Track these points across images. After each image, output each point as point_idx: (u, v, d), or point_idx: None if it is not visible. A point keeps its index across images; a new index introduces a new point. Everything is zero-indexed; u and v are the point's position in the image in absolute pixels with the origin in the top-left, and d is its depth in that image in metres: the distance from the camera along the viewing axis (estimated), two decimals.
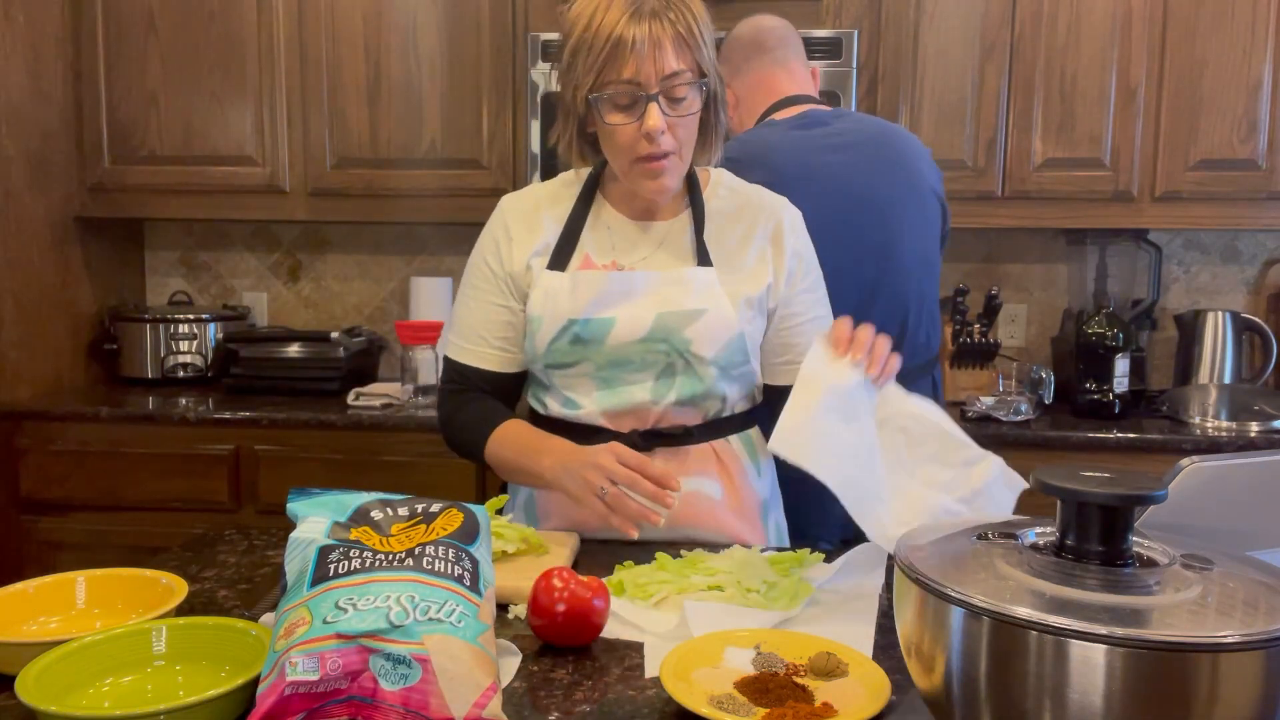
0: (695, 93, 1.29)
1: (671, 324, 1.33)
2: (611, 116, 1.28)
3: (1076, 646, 0.65)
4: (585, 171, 1.44)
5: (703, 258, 1.37)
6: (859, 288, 1.73)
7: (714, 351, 1.34)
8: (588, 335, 1.34)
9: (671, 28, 1.25)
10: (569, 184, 1.45)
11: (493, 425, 1.40)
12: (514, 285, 1.41)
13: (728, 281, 1.37)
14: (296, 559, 0.91)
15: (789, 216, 1.44)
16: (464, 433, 1.43)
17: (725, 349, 1.35)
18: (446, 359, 1.47)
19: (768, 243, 1.41)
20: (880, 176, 1.74)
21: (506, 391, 1.46)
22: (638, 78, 1.25)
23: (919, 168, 1.79)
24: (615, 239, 1.41)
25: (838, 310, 1.50)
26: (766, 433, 1.49)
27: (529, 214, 1.43)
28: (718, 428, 1.40)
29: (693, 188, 1.42)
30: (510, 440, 1.38)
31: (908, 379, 1.79)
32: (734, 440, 1.42)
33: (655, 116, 1.26)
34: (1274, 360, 2.68)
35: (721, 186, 1.45)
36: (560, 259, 1.38)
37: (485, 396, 1.44)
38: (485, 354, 1.43)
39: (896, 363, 1.25)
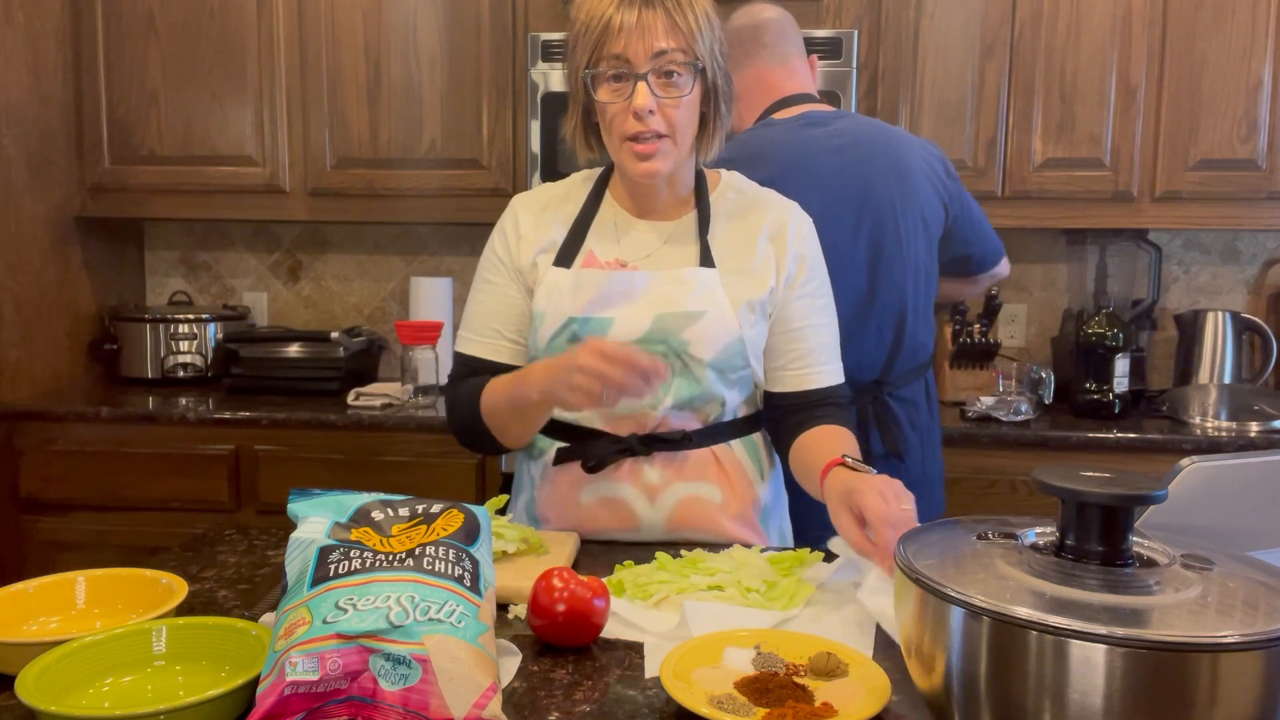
0: (688, 76, 1.30)
1: (670, 325, 1.33)
2: (603, 94, 1.31)
3: (1076, 646, 0.65)
4: (596, 172, 1.45)
5: (705, 258, 1.37)
6: (856, 290, 1.73)
7: (712, 354, 1.34)
8: (586, 334, 1.34)
9: (665, 15, 1.28)
10: (580, 184, 1.46)
11: (482, 388, 1.38)
12: (522, 277, 1.41)
13: (730, 284, 1.36)
14: (297, 559, 0.91)
15: (795, 220, 1.43)
16: (462, 409, 1.41)
17: (723, 352, 1.35)
18: (456, 353, 1.46)
19: (770, 245, 1.40)
20: (877, 179, 1.74)
21: None
22: (626, 54, 1.27)
23: (915, 167, 1.78)
24: (620, 235, 1.41)
25: (838, 311, 1.50)
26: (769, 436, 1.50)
27: (539, 212, 1.44)
28: (718, 433, 1.40)
29: (700, 188, 1.42)
30: (497, 387, 1.36)
31: (903, 382, 1.80)
32: (735, 445, 1.41)
33: (643, 94, 1.28)
34: (1274, 360, 2.68)
35: (731, 189, 1.46)
36: (566, 256, 1.39)
37: (481, 376, 1.41)
38: (499, 345, 1.42)
39: None
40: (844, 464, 1.23)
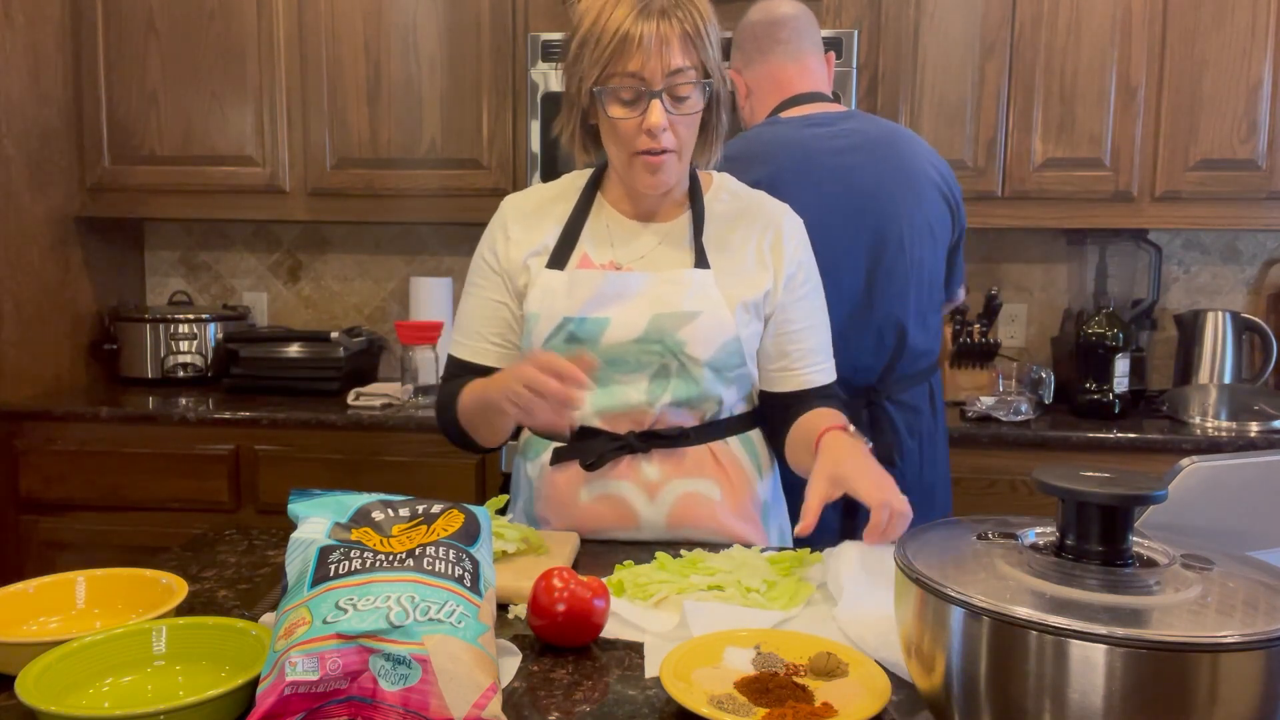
0: (699, 92, 1.30)
1: (666, 325, 1.33)
2: (614, 110, 1.29)
3: (1076, 646, 0.65)
4: (588, 172, 1.45)
5: (700, 259, 1.37)
6: (852, 294, 1.72)
7: (708, 354, 1.34)
8: (583, 334, 1.34)
9: (679, 26, 1.26)
10: (572, 184, 1.46)
11: (462, 389, 1.38)
12: (511, 282, 1.41)
13: (725, 284, 1.36)
14: (297, 559, 0.91)
15: (790, 223, 1.44)
16: (445, 409, 1.42)
17: (720, 351, 1.35)
18: (449, 356, 1.47)
19: (768, 248, 1.41)
20: (882, 180, 1.73)
21: None
22: (642, 72, 1.26)
23: (923, 172, 1.77)
24: (614, 238, 1.41)
25: (834, 313, 1.50)
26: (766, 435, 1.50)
27: (529, 214, 1.43)
28: (715, 430, 1.40)
29: (694, 190, 1.43)
30: (474, 388, 1.36)
31: (903, 387, 1.79)
32: (733, 442, 1.42)
33: (658, 113, 1.27)
34: (1274, 360, 2.68)
35: (724, 191, 1.46)
36: (560, 258, 1.39)
37: (465, 378, 1.42)
38: (483, 349, 1.44)
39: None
40: (844, 430, 1.25)
